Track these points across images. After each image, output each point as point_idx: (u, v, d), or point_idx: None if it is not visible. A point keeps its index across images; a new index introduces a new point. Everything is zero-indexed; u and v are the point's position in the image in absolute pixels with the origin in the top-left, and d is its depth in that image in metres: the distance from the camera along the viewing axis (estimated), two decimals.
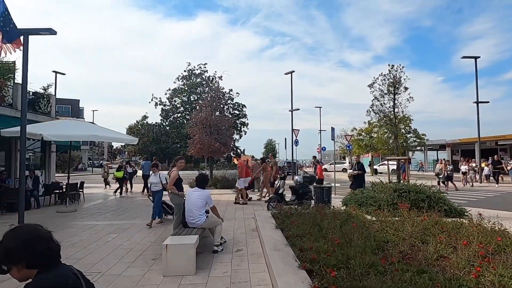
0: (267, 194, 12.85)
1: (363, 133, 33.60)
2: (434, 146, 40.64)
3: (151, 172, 8.94)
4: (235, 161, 13.47)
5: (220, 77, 40.35)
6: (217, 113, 17.71)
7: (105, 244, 6.48)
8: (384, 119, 27.47)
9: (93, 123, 32.11)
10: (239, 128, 38.65)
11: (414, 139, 27.08)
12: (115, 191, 15.24)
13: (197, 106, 17.67)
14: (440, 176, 18.27)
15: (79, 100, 55.70)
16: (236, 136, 26.17)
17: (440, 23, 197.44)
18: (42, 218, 9.46)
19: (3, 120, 11.65)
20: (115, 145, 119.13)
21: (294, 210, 7.98)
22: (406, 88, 24.40)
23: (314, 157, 18.20)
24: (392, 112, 26.93)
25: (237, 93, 38.33)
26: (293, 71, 26.75)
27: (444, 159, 23.52)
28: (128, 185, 16.49)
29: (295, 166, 28.06)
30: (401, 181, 17.24)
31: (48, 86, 15.32)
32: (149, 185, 9.11)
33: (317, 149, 47.22)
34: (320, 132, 46.30)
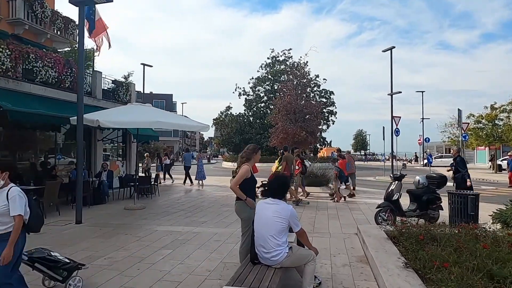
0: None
1: (483, 120, 27.21)
2: None
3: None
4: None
5: (306, 63, 37.58)
6: (302, 102, 15.18)
7: (149, 269, 4.64)
8: None
9: (183, 116, 32.54)
10: (326, 117, 35.37)
11: None
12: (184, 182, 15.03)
13: (280, 92, 15.39)
14: None
15: (172, 94, 59.03)
16: (323, 126, 22.28)
17: None
18: (104, 216, 8.34)
19: None
20: (206, 136, 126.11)
21: (423, 230, 5.14)
22: None
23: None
24: None
25: (324, 79, 34.95)
26: (393, 47, 22.45)
27: None
28: (161, 176, 15.87)
29: (392, 160, 23.83)
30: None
31: (129, 74, 14.84)
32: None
33: (419, 140, 40.95)
34: (423, 121, 39.97)
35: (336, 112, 37.79)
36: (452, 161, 8.83)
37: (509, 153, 20.17)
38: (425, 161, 33.14)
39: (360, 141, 59.50)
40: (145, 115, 8.55)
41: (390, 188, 7.13)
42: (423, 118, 38.86)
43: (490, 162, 29.34)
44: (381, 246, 4.97)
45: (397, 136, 23.28)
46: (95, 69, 13.39)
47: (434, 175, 7.80)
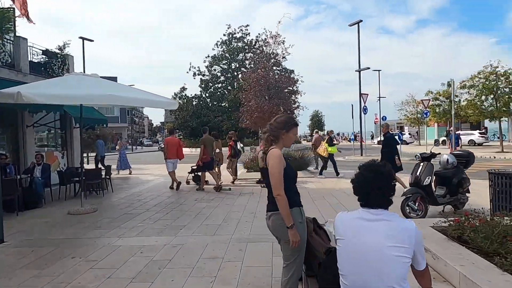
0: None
1: (440, 97, 27.75)
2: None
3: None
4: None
5: (265, 40, 35.79)
6: (276, 76, 13.42)
7: None
8: (478, 76, 21.69)
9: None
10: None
11: None
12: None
13: (250, 64, 13.48)
14: None
15: (116, 77, 53.89)
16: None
17: None
18: (39, 226, 6.02)
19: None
20: (155, 122, 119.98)
21: (494, 224, 3.91)
22: None
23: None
24: (489, 66, 21.09)
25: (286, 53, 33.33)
26: (361, 21, 21.50)
27: None
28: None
29: (362, 139, 23.37)
30: None
31: (64, 45, 11.85)
32: None
33: (375, 119, 41.55)
34: (380, 99, 40.40)
35: (300, 92, 36.76)
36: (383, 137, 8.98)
37: (450, 128, 20.49)
38: (378, 139, 33.87)
39: (317, 122, 59.73)
40: (91, 87, 6.23)
41: (419, 171, 5.78)
42: (379, 97, 39.26)
43: (446, 138, 30.37)
44: (455, 253, 3.55)
45: (365, 114, 22.77)
46: (18, 34, 10.37)
47: (462, 152, 6.62)
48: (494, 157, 18.99)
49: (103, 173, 9.95)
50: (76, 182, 9.15)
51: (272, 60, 13.36)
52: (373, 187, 1.84)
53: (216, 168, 10.13)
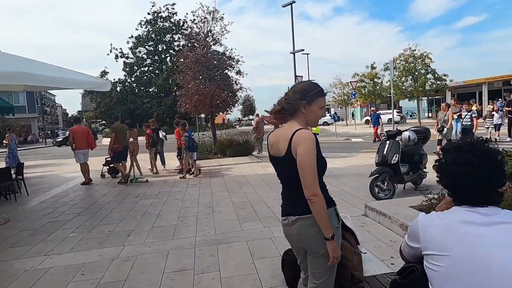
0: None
1: (365, 79, 29.52)
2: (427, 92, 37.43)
3: None
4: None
5: (193, 21, 34.00)
6: (215, 56, 12.42)
7: None
8: (400, 58, 23.39)
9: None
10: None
11: (433, 81, 23.36)
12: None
13: (186, 43, 12.21)
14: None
15: None
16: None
17: None
18: None
19: None
20: (71, 111, 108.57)
21: None
22: None
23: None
24: (408, 49, 22.85)
25: (225, 30, 32.05)
26: (294, 1, 21.31)
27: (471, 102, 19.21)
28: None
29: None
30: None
31: None
32: None
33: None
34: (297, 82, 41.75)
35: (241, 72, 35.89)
36: None
37: (371, 109, 22.08)
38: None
39: (248, 106, 59.77)
40: None
41: (386, 149, 5.59)
42: (309, 80, 40.50)
43: (370, 118, 32.59)
44: None
45: None
46: None
47: (419, 128, 6.65)
48: None
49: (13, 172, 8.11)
50: None
51: (210, 38, 12.33)
52: (482, 176, 1.26)
53: (129, 160, 9.35)
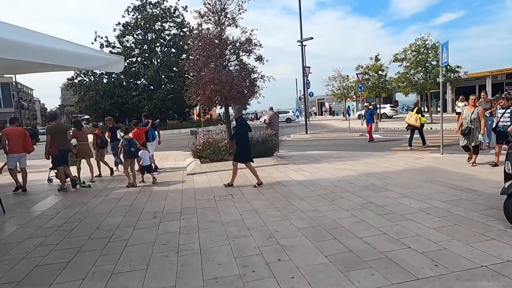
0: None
1: (369, 72, 28.10)
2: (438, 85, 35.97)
3: None
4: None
5: (185, 8, 31.80)
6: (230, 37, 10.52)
7: None
8: (410, 49, 22.03)
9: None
10: None
11: (444, 73, 22.07)
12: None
13: (197, 19, 10.21)
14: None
15: None
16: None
17: None
18: None
19: None
20: (49, 106, 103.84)
21: None
22: None
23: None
24: (419, 38, 21.51)
25: (242, 9, 30.09)
26: None
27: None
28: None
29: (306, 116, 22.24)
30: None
31: None
32: None
33: (302, 95, 41.16)
34: (305, 73, 40.07)
35: (262, 58, 33.84)
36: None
37: (365, 104, 20.28)
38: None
39: None
40: None
41: None
42: (305, 73, 38.88)
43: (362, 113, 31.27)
44: None
45: (308, 88, 21.48)
46: None
47: None
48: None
49: None
50: None
51: (224, 18, 10.44)
52: None
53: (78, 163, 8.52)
